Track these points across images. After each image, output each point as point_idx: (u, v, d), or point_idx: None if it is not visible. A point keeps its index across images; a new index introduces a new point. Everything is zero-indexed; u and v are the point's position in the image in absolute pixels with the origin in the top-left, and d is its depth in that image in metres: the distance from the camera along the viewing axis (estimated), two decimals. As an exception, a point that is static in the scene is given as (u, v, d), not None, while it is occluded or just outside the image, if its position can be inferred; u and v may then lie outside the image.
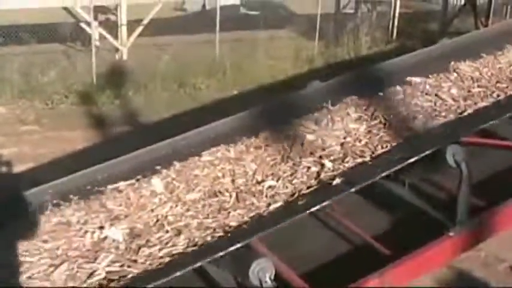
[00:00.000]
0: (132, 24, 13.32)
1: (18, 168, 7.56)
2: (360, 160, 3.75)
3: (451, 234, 3.57)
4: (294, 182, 3.68)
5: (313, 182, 3.64)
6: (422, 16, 18.46)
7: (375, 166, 3.60)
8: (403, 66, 5.07)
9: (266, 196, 3.60)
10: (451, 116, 4.19)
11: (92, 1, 12.08)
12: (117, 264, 3.13)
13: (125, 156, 4.19)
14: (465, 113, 4.22)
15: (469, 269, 5.60)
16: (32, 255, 3.26)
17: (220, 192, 3.70)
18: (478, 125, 4.05)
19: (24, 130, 9.62)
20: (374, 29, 15.19)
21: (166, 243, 3.28)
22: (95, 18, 13.00)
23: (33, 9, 12.69)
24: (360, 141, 3.99)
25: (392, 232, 3.74)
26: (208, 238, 3.26)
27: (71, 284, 3.02)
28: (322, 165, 3.77)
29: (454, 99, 4.46)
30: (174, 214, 3.53)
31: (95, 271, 3.10)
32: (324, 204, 3.38)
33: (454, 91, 4.59)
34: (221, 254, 2.97)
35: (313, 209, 3.38)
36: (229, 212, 3.49)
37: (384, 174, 3.48)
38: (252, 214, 3.44)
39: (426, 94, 4.56)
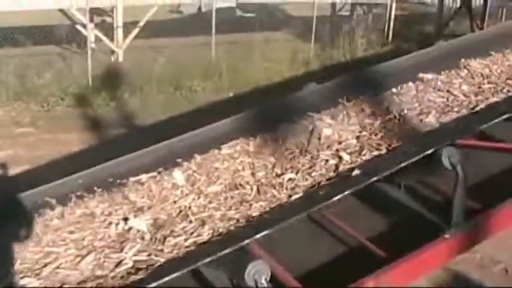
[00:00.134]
0: (128, 26, 13.34)
1: (13, 171, 7.55)
2: (376, 153, 3.82)
3: (446, 236, 3.57)
4: (313, 174, 3.72)
5: (332, 174, 3.69)
6: (418, 18, 18.54)
7: (370, 168, 3.61)
8: (414, 63, 5.18)
9: (286, 188, 3.63)
10: (464, 111, 4.29)
11: (88, 3, 12.09)
12: (144, 253, 3.14)
13: (145, 149, 4.23)
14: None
15: (465, 270, 5.62)
16: (58, 246, 3.27)
17: (241, 185, 3.73)
18: (474, 127, 4.08)
19: (19, 132, 9.62)
20: (370, 31, 15.25)
21: (191, 233, 3.29)
22: (91, 20, 13.02)
23: (28, 11, 12.69)
24: (376, 135, 4.05)
25: (388, 234, 3.73)
26: (232, 228, 3.30)
27: (99, 273, 3.03)
28: (340, 157, 3.82)
29: (465, 95, 4.56)
30: (197, 206, 3.55)
31: (122, 260, 3.11)
32: (318, 207, 3.40)
33: (465, 87, 4.70)
34: (217, 256, 2.96)
35: (309, 211, 3.40)
36: (251, 204, 3.52)
37: (379, 176, 3.49)
38: (273, 205, 3.48)
39: (438, 90, 4.66)
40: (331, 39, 14.86)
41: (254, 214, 3.42)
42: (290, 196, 3.54)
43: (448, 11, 17.87)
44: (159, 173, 3.91)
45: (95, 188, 3.79)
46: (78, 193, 3.76)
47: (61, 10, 13.03)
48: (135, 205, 3.60)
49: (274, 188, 3.65)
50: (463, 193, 3.58)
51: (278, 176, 3.78)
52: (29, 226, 3.47)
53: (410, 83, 4.78)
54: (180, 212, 3.52)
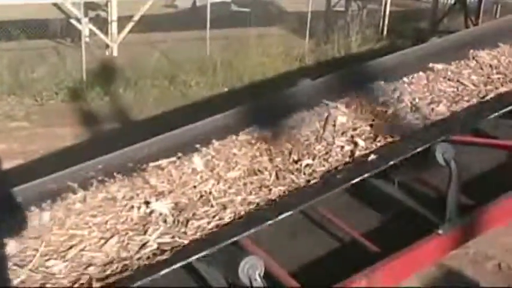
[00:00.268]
0: (122, 21, 13.32)
1: (7, 165, 7.54)
2: (390, 140, 3.88)
3: (440, 232, 3.58)
4: (329, 160, 3.77)
5: (348, 159, 3.76)
6: (413, 14, 18.52)
7: (363, 164, 3.62)
8: (423, 54, 5.25)
9: (304, 174, 3.67)
10: (474, 100, 4.39)
11: (82, -3, 12.05)
12: (168, 236, 3.17)
13: (164, 134, 4.25)
14: (484, 98, 4.43)
15: (458, 266, 5.64)
16: (82, 229, 3.29)
17: (259, 170, 3.78)
18: (468, 123, 4.13)
19: (13, 126, 9.60)
20: (364, 27, 15.23)
21: (214, 216, 3.32)
22: (85, 15, 12.97)
23: (23, 5, 12.66)
24: (389, 122, 4.11)
25: (382, 230, 3.75)
26: (253, 212, 3.34)
27: (124, 255, 3.05)
28: (356, 143, 3.88)
29: (475, 85, 4.67)
30: (217, 190, 3.59)
31: (146, 243, 3.12)
32: (311, 202, 3.41)
33: (474, 77, 4.81)
34: (210, 251, 2.96)
35: (303, 207, 3.41)
36: (270, 189, 3.56)
37: (373, 172, 3.50)
38: (292, 190, 3.52)
39: (449, 80, 4.76)
40: (325, 34, 14.85)
41: (274, 198, 3.47)
42: (308, 181, 3.59)
43: (443, 7, 17.87)
44: (179, 158, 3.94)
45: (115, 173, 3.82)
46: (99, 178, 3.78)
47: (55, 4, 12.98)
48: (156, 189, 3.63)
49: (293, 174, 3.70)
50: (457, 189, 3.59)
51: (295, 162, 3.82)
52: (52, 210, 3.49)
53: (421, 73, 4.88)
54: (201, 196, 3.56)
